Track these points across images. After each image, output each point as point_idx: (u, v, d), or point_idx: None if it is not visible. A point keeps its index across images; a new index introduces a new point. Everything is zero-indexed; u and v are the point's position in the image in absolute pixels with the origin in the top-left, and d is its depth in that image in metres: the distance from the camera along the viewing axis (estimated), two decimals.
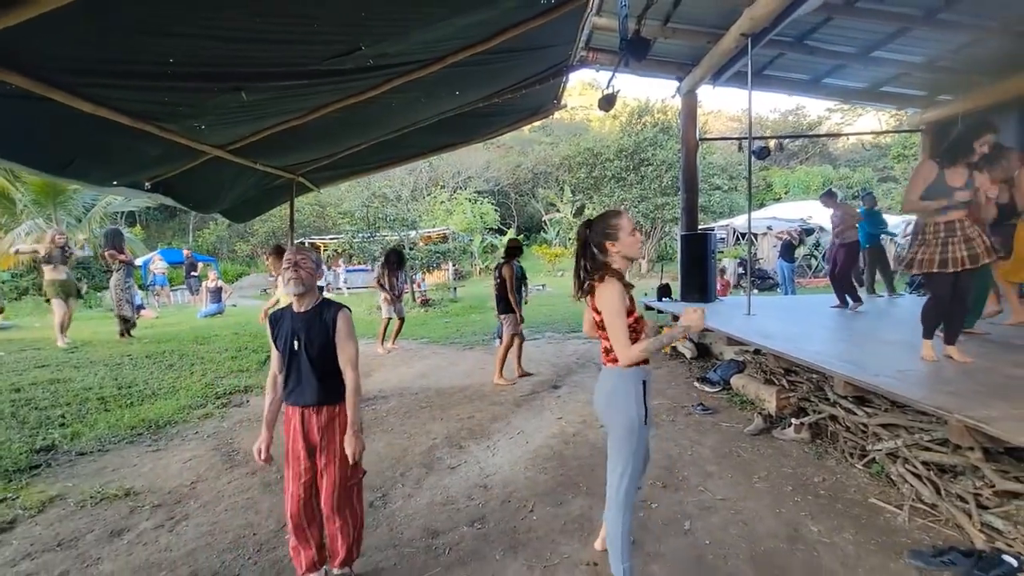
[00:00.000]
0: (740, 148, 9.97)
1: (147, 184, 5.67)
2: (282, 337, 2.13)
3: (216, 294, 13.09)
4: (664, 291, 8.30)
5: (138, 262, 14.35)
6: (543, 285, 17.74)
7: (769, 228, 17.30)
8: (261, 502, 3.07)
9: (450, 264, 20.25)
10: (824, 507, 2.81)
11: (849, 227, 6.66)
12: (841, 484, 3.08)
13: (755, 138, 9.39)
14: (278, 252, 5.09)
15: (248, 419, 4.62)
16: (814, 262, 16.81)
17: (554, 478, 3.31)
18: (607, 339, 2.03)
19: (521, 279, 5.92)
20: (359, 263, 18.01)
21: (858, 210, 7.53)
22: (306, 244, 18.68)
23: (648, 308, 7.99)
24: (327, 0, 3.37)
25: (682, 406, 4.66)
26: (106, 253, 8.62)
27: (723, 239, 19.76)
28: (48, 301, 7.62)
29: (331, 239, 21.05)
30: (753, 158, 9.89)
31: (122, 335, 8.28)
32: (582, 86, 37.14)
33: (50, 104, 3.50)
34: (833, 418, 3.68)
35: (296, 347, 2.09)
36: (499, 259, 6.16)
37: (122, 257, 8.52)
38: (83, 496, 3.16)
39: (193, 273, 16.85)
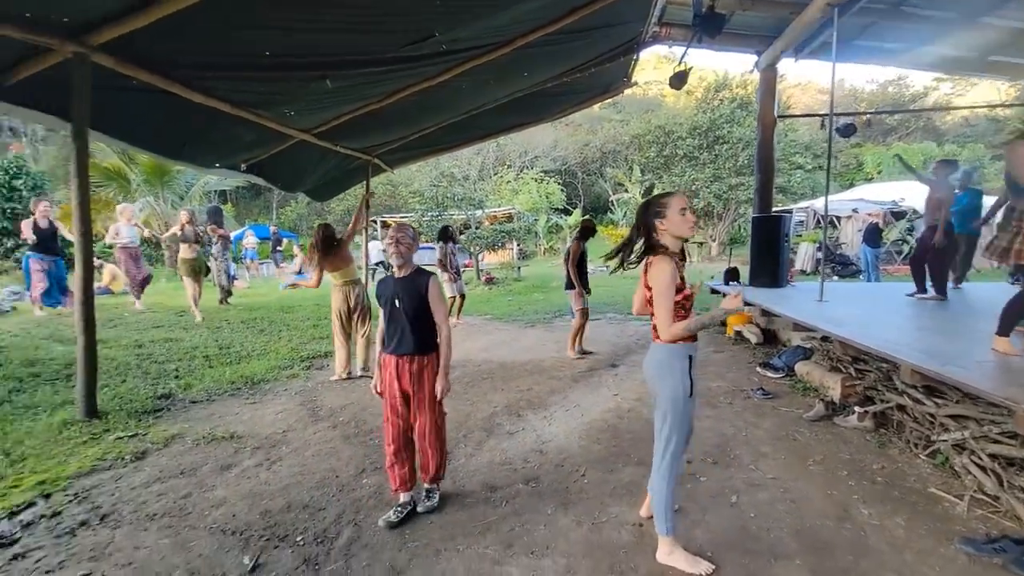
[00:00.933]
0: (823, 126, 9.34)
1: (243, 166, 6.30)
2: (385, 297, 2.59)
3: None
4: (732, 275, 8.05)
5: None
6: (607, 266, 17.59)
7: (855, 211, 16.17)
8: (342, 451, 3.47)
9: (515, 244, 20.49)
10: (879, 493, 2.80)
11: (938, 207, 6.13)
12: (901, 472, 3.03)
13: (839, 115, 8.82)
14: (326, 235, 5.00)
15: (328, 381, 5.10)
16: (904, 247, 15.52)
17: (606, 448, 3.48)
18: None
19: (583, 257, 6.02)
20: (426, 241, 18.67)
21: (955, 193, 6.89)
22: (377, 223, 19.62)
23: (714, 292, 7.84)
24: None
25: (741, 389, 4.65)
26: (208, 228, 9.58)
27: (802, 222, 18.64)
28: (181, 279, 8.43)
29: (402, 217, 21.88)
30: (839, 136, 9.25)
31: (221, 302, 9.23)
32: (656, 59, 35.62)
33: (168, 96, 4.01)
34: (900, 408, 3.58)
35: (397, 305, 2.54)
36: (574, 236, 6.20)
37: (221, 232, 9.44)
38: (197, 436, 3.70)
39: (278, 248, 18.17)
